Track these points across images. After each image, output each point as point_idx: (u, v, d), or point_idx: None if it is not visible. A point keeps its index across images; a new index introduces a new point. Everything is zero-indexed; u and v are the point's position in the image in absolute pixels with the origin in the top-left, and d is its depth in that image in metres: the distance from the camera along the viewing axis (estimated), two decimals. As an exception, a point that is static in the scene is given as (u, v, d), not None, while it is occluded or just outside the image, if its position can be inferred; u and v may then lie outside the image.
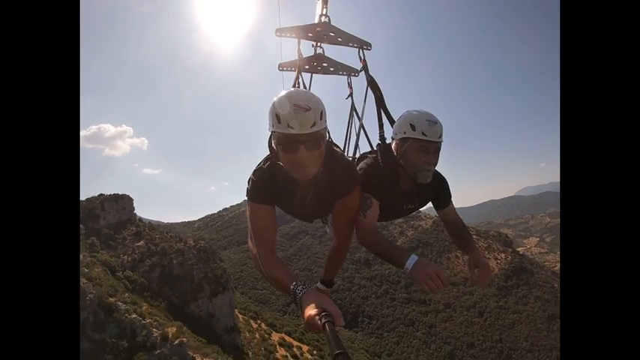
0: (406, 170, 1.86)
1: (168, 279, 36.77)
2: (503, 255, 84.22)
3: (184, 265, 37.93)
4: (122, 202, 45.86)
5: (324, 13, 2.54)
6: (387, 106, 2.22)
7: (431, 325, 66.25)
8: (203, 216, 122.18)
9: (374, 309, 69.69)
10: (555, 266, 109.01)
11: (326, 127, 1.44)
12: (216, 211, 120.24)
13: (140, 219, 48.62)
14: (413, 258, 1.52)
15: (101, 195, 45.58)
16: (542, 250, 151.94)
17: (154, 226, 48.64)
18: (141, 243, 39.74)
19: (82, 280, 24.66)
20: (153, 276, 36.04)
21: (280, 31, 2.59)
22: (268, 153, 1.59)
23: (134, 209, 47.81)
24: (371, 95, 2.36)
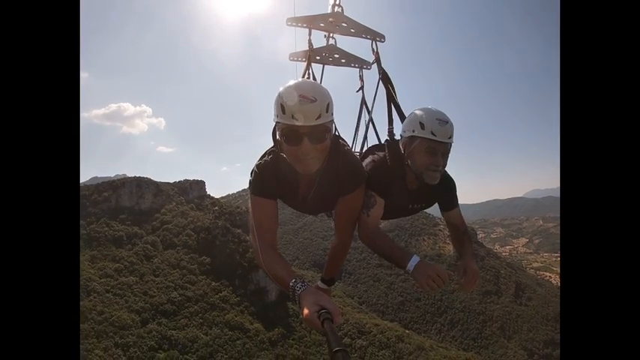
0: (413, 170, 1.78)
1: (235, 226, 69.37)
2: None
3: (243, 220, 70.57)
4: (200, 184, 79.34)
5: (337, 2, 2.49)
6: (399, 102, 2.16)
7: (391, 282, 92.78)
8: (225, 194, 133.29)
9: (353, 268, 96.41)
10: (531, 264, 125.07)
11: (332, 121, 1.39)
12: (235, 191, 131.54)
13: (210, 195, 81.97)
14: (414, 260, 1.53)
15: (187, 180, 79.07)
16: (528, 250, 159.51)
17: (219, 199, 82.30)
18: (216, 208, 72.53)
19: (214, 213, 59.67)
20: (227, 224, 68.85)
21: (291, 20, 2.52)
22: (272, 145, 1.53)
23: (206, 188, 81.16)
24: (382, 89, 2.29)
